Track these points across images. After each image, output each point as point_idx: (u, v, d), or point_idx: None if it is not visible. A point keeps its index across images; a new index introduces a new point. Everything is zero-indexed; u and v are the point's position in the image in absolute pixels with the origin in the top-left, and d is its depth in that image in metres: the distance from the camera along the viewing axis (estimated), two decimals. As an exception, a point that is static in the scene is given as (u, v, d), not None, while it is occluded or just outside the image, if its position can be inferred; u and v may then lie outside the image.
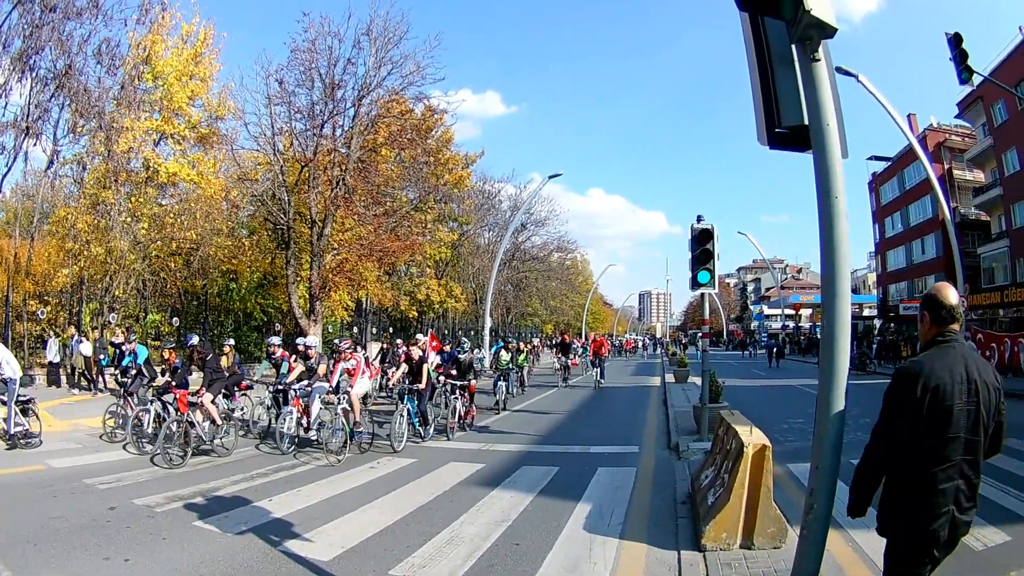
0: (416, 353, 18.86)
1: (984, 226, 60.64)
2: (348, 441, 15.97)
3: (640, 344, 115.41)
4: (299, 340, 20.29)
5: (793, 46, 5.12)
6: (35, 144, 32.41)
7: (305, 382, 17.75)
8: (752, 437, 9.00)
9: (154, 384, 18.04)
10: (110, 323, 33.99)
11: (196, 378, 17.49)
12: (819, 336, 6.68)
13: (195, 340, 17.75)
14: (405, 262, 52.53)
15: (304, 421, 16.91)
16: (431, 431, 18.82)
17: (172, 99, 36.78)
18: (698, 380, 24.74)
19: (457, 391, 20.17)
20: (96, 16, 32.01)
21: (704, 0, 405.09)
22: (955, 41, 25.32)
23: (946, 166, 63.64)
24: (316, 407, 16.99)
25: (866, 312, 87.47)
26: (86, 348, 27.85)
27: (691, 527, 9.70)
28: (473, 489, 12.78)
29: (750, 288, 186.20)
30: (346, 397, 16.52)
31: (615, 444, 17.88)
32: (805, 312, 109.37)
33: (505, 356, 28.17)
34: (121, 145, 33.69)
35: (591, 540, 9.54)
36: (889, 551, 4.82)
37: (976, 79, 28.98)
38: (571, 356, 43.10)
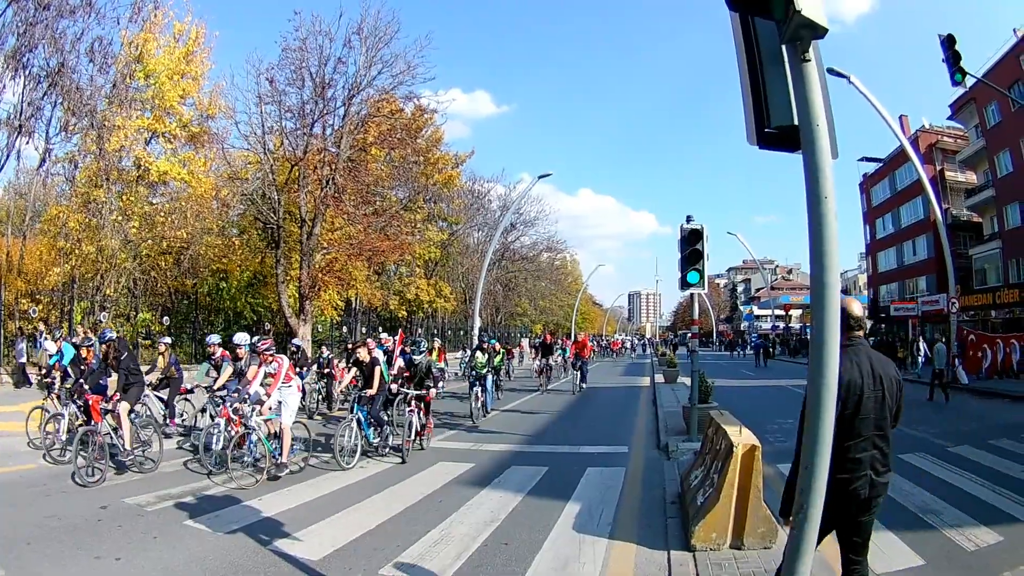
0: (364, 355, 17.22)
1: (976, 227, 60.79)
2: (273, 462, 13.71)
3: (628, 345, 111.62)
4: (238, 337, 17.38)
5: (783, 46, 5.11)
6: (28, 142, 32.57)
7: (243, 388, 14.77)
8: (742, 437, 9.01)
9: (66, 386, 16.62)
10: (101, 322, 33.94)
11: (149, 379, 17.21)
12: (809, 337, 6.71)
13: (111, 335, 15.47)
14: (395, 262, 52.47)
15: (234, 432, 14.04)
16: (388, 443, 16.65)
17: (163, 98, 36.76)
18: (687, 380, 24.82)
19: (412, 402, 16.58)
20: (89, 14, 32.17)
21: (694, 0, 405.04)
22: (948, 43, 25.34)
23: (938, 167, 63.78)
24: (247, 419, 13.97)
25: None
26: (50, 347, 27.68)
27: (681, 527, 9.70)
28: (462, 489, 12.81)
29: (740, 289, 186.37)
30: (258, 409, 14.08)
31: (605, 444, 17.87)
32: (795, 313, 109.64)
33: (481, 358, 25.09)
34: (112, 143, 33.69)
35: (581, 540, 9.55)
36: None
37: (969, 81, 28.99)
38: (554, 358, 40.03)
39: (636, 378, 46.18)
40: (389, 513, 10.96)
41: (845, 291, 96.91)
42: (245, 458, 13.75)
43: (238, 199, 40.84)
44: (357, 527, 10.14)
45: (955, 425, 20.65)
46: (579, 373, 34.80)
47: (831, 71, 32.02)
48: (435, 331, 63.30)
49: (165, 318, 37.16)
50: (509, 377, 38.84)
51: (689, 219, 16.83)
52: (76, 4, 31.49)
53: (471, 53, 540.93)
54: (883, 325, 72.67)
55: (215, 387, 16.61)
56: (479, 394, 23.64)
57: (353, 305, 52.27)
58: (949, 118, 61.98)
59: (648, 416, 24.08)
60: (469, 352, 34.12)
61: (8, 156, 31.96)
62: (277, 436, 14.26)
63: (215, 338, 19.39)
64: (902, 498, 11.36)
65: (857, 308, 6.00)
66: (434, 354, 28.54)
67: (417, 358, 17.68)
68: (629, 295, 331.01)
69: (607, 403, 29.69)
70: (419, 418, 16.76)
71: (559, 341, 50.77)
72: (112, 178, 35.15)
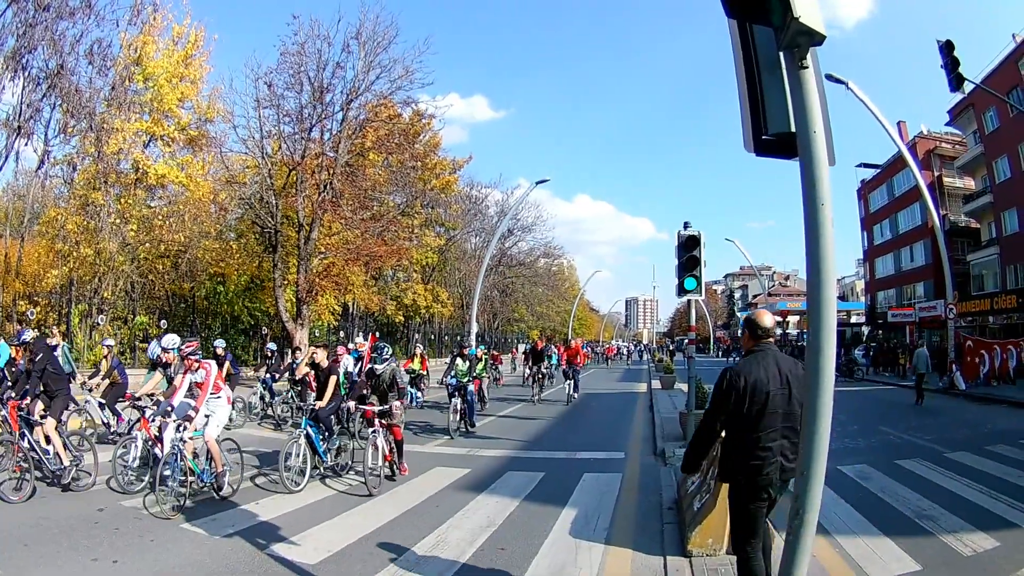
0: (321, 358, 15.72)
1: (974, 233, 60.89)
2: (205, 484, 12.04)
3: (625, 352, 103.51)
4: (167, 340, 15.57)
5: (781, 53, 5.12)
6: (26, 144, 32.56)
7: (165, 400, 12.77)
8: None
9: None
10: (98, 324, 33.97)
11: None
12: (805, 343, 6.80)
13: (28, 336, 14.61)
14: (392, 267, 52.69)
15: (157, 450, 12.21)
16: (343, 460, 14.67)
17: (162, 101, 36.77)
18: (684, 386, 24.76)
19: (376, 421, 13.84)
20: (89, 16, 32.17)
21: (691, 4, 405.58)
22: (946, 49, 25.36)
23: (936, 173, 63.88)
24: (171, 435, 11.76)
25: (854, 319, 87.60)
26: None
27: (677, 533, 9.70)
28: (459, 494, 12.80)
29: (737, 295, 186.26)
30: (185, 426, 11.84)
31: (601, 450, 17.85)
32: (793, 319, 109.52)
33: (462, 366, 22.31)
34: (111, 146, 33.72)
35: (577, 545, 9.54)
36: (732, 492, 6.68)
37: (967, 86, 29.00)
38: (546, 366, 35.86)
39: (633, 384, 46.06)
40: (385, 518, 10.95)
41: (842, 297, 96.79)
42: (169, 481, 11.30)
43: (236, 203, 40.97)
44: (353, 532, 10.13)
45: (952, 431, 20.69)
46: (572, 382, 32.08)
47: (829, 77, 32.04)
48: (432, 336, 63.42)
49: (162, 321, 37.16)
50: (496, 385, 38.49)
51: (686, 225, 16.89)
52: (76, 6, 31.54)
53: (469, 58, 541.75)
54: (880, 332, 72.68)
55: (138, 394, 14.71)
56: (458, 406, 21.12)
57: (350, 310, 52.31)
58: (947, 124, 62.16)
59: (645, 422, 24.05)
60: (448, 359, 29.44)
61: (7, 157, 32.01)
62: (204, 455, 12.27)
63: (168, 341, 16.64)
64: (899, 503, 11.41)
65: (767, 320, 6.88)
66: (416, 361, 28.01)
67: (379, 367, 14.53)
68: (626, 301, 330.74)
69: (604, 409, 29.68)
70: (384, 440, 13.82)
71: (549, 347, 47.69)
72: (110, 181, 35.20)
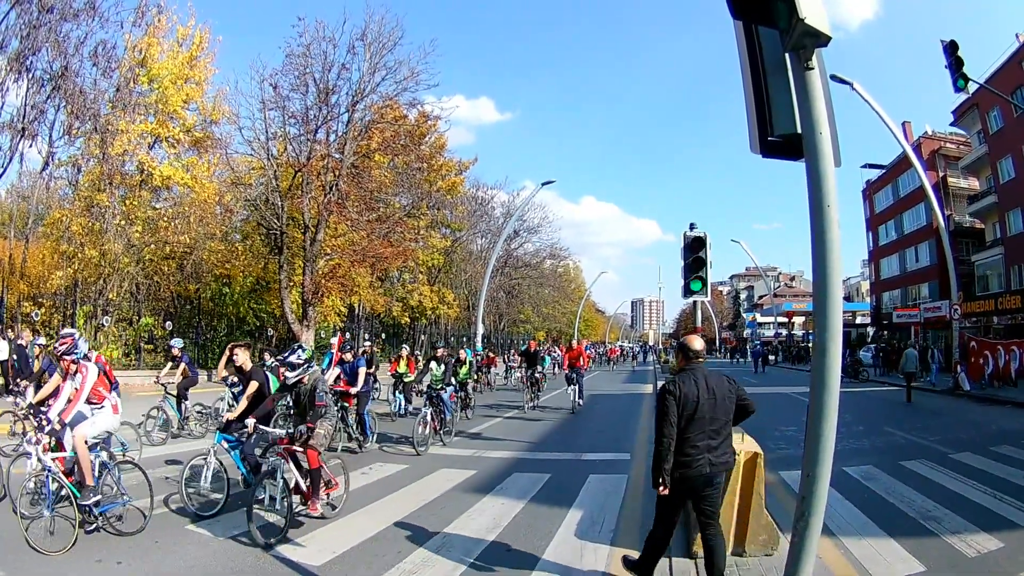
0: (243, 359, 12.97)
1: (978, 234, 60.86)
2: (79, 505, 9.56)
3: (630, 353, 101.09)
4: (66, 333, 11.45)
5: (787, 54, 5.12)
6: (31, 145, 32.64)
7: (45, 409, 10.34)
8: (743, 444, 8.98)
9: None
10: (103, 326, 34.01)
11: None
12: (811, 344, 6.86)
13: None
14: (398, 268, 52.57)
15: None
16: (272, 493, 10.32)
17: (167, 102, 36.86)
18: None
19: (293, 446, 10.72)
20: (93, 18, 32.27)
21: (696, 6, 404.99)
22: (951, 49, 25.29)
23: (941, 174, 63.82)
24: (70, 441, 10.08)
25: (859, 320, 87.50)
26: (2, 349, 27.14)
27: (683, 534, 9.58)
28: (464, 495, 12.78)
29: (743, 296, 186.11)
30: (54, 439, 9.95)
31: (607, 451, 17.81)
32: (798, 320, 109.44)
33: (437, 370, 20.17)
34: (116, 148, 33.80)
35: (582, 547, 9.55)
36: (660, 495, 7.66)
37: (971, 87, 28.93)
38: (541, 369, 33.12)
39: (638, 385, 45.89)
40: (390, 519, 10.93)
41: (847, 298, 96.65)
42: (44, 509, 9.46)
43: (241, 204, 41.06)
44: (359, 533, 10.12)
45: (957, 432, 20.67)
46: (576, 388, 28.32)
47: (834, 78, 32.00)
48: (438, 337, 63.31)
49: (168, 323, 37.21)
50: (491, 388, 38.08)
51: (692, 227, 16.83)
52: (79, 8, 31.62)
53: (475, 59, 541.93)
54: (885, 332, 72.61)
55: (35, 400, 11.98)
56: (429, 417, 18.30)
57: (356, 311, 52.32)
58: (952, 124, 62.18)
59: (650, 423, 23.94)
60: (423, 363, 25.83)
61: (11, 159, 32.06)
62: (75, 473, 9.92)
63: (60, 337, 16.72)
64: (903, 504, 11.40)
65: (697, 344, 7.94)
66: (402, 364, 25.92)
67: (290, 375, 10.91)
68: (632, 302, 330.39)
69: (609, 410, 29.62)
70: (301, 472, 10.74)
71: (543, 348, 45.01)
72: (115, 182, 35.28)
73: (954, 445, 17.75)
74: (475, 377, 28.10)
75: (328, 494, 11.12)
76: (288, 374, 10.83)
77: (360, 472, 14.57)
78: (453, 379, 21.37)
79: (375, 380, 23.51)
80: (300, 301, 37.56)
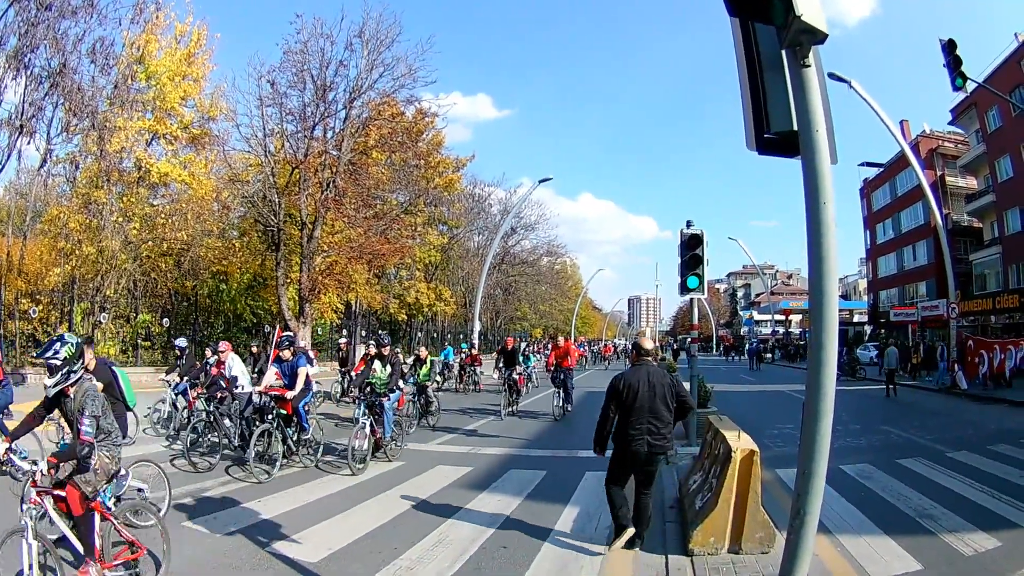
0: (89, 360, 10.08)
1: (976, 233, 60.88)
2: None
3: (624, 350, 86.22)
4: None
5: (783, 51, 5.12)
6: (29, 142, 32.68)
7: None
8: (740, 442, 9.02)
9: None
10: (100, 323, 34.01)
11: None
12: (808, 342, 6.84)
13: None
14: (395, 265, 52.58)
15: None
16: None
17: (165, 99, 36.76)
18: (687, 384, 24.71)
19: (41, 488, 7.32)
20: (91, 15, 32.31)
21: (694, 5, 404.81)
22: (949, 47, 25.29)
23: (938, 173, 63.83)
24: None
25: (856, 318, 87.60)
26: None
27: (679, 532, 9.77)
28: (461, 492, 12.81)
29: (740, 294, 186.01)
30: None
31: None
32: (795, 318, 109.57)
33: (381, 371, 16.92)
34: (113, 144, 33.74)
35: (579, 544, 9.59)
36: (611, 461, 9.70)
37: (970, 86, 28.94)
38: (522, 369, 30.84)
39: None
40: (387, 516, 10.97)
41: (845, 296, 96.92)
42: None
43: (239, 201, 41.03)
44: (355, 530, 10.14)
45: (954, 430, 20.70)
46: (561, 391, 25.41)
47: (832, 76, 32.07)
48: (435, 335, 63.36)
49: (165, 320, 37.22)
50: (477, 389, 35.34)
51: (689, 224, 16.88)
52: (78, 5, 31.62)
53: (472, 56, 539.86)
54: (883, 330, 72.67)
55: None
56: (368, 428, 15.50)
57: (353, 308, 52.26)
58: (950, 123, 62.11)
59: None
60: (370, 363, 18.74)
61: (9, 156, 32.10)
62: None
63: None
64: (900, 503, 11.44)
65: (648, 344, 10.05)
66: (425, 369, 22.83)
67: (49, 381, 7.58)
68: (629, 300, 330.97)
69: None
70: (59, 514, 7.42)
71: (537, 344, 38.00)
72: (113, 179, 35.22)
73: (951, 443, 17.78)
74: (438, 380, 25.08)
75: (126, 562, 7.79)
76: (47, 381, 7.60)
77: (358, 468, 14.57)
78: (402, 383, 17.67)
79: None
80: (297, 298, 37.57)
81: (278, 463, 14.24)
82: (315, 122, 36.34)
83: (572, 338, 74.49)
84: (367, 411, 15.83)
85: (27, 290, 34.41)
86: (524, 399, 29.20)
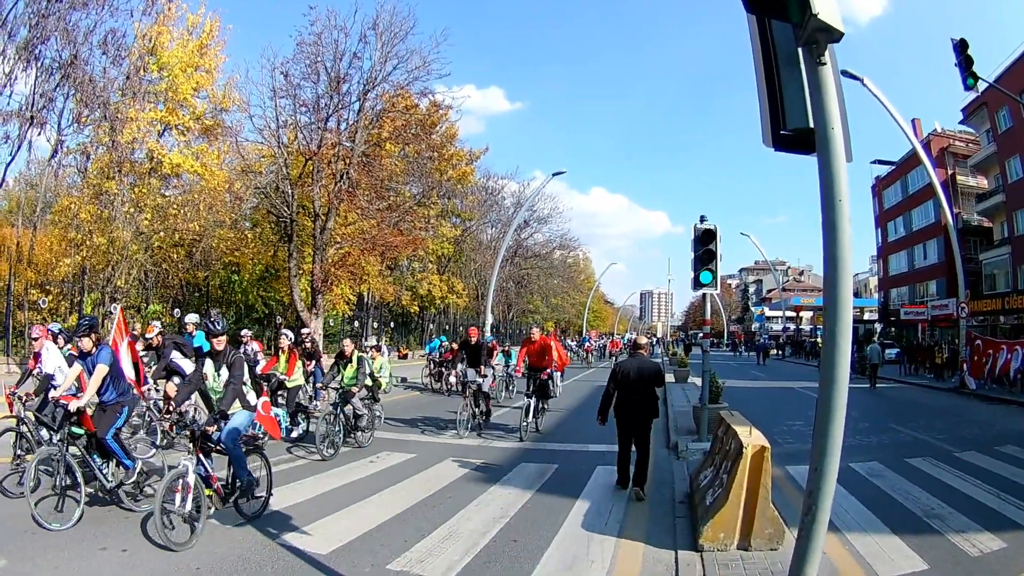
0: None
1: (986, 232, 60.78)
2: None
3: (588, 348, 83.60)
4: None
5: (799, 49, 5.13)
6: (39, 133, 32.70)
7: None
8: (751, 438, 9.01)
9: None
10: (111, 313, 34.10)
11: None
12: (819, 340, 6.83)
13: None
14: (407, 257, 52.80)
15: None
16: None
17: (177, 90, 36.82)
18: (698, 380, 24.65)
19: None
20: (102, 6, 32.38)
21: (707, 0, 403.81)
22: (960, 47, 25.25)
23: (949, 171, 63.66)
24: None
25: (867, 316, 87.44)
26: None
27: (689, 527, 9.74)
28: (471, 485, 12.83)
29: (751, 289, 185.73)
30: None
31: (614, 443, 17.77)
32: (806, 315, 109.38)
33: (349, 371, 16.14)
34: (125, 136, 33.81)
35: (589, 538, 9.57)
36: (617, 421, 12.61)
37: (981, 85, 28.87)
38: (495, 373, 23.99)
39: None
40: (398, 508, 10.98)
41: (856, 294, 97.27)
42: None
43: (251, 192, 41.08)
44: (366, 522, 10.15)
45: (962, 430, 20.67)
46: (532, 400, 19.06)
47: (845, 73, 31.98)
48: (447, 327, 63.47)
49: (176, 310, 37.28)
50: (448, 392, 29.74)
51: (703, 219, 16.83)
52: (89, -4, 31.63)
53: (486, 49, 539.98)
54: (892, 329, 72.59)
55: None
56: (333, 436, 15.05)
57: (365, 300, 52.40)
58: (961, 122, 61.91)
59: (661, 414, 23.99)
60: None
61: (20, 147, 32.17)
62: None
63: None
64: (908, 502, 11.44)
65: (642, 340, 14.15)
66: (281, 362, 17.85)
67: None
68: (641, 294, 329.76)
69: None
70: None
71: (488, 339, 29.67)
72: (124, 170, 35.29)
73: (959, 444, 17.78)
74: (369, 383, 17.01)
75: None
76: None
77: (368, 460, 14.73)
78: (315, 387, 16.55)
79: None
80: (309, 289, 37.70)
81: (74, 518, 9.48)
82: (329, 114, 36.49)
83: (542, 330, 73.07)
84: (336, 412, 15.42)
85: (37, 280, 34.50)
86: (500, 410, 23.27)
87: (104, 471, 10.15)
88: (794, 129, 5.29)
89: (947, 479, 13.34)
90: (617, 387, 12.57)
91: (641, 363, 12.84)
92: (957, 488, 12.57)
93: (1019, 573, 8.28)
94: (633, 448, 12.60)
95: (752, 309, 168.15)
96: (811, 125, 5.12)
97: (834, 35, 4.86)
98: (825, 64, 4.98)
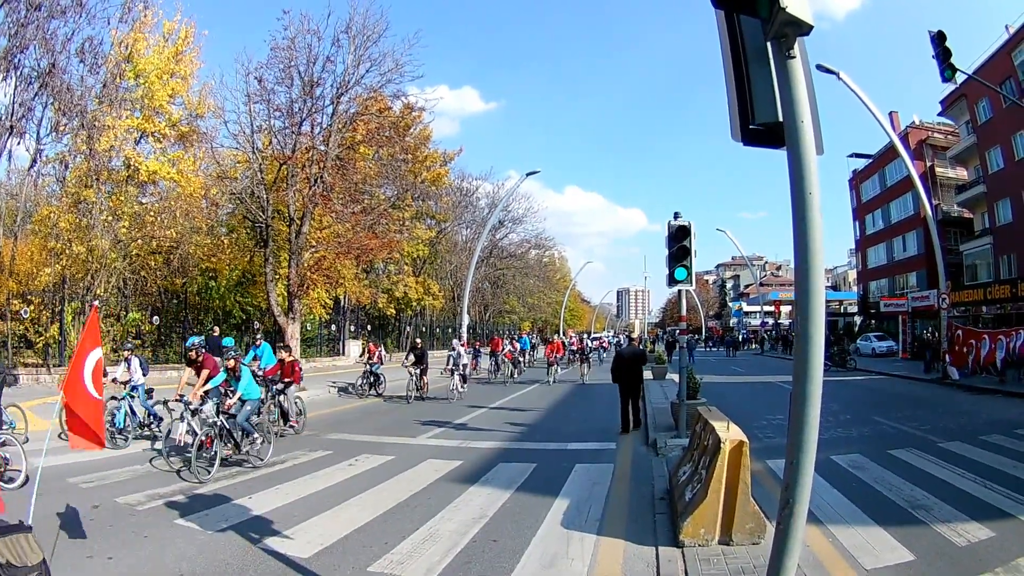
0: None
1: (967, 223, 60.93)
2: None
3: (597, 345, 70.79)
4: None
5: (768, 43, 5.12)
6: (19, 143, 32.55)
7: None
8: (729, 433, 9.01)
9: None
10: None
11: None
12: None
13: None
14: (383, 259, 52.63)
15: None
16: None
17: (153, 97, 36.69)
18: (676, 377, 24.79)
19: None
20: (80, 14, 32.20)
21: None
22: (938, 39, 25.33)
23: (928, 163, 63.86)
24: None
25: (848, 309, 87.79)
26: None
27: (669, 523, 9.72)
28: (451, 486, 12.84)
29: (729, 285, 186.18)
30: None
31: (593, 441, 17.89)
32: (785, 309, 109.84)
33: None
34: (103, 143, 33.66)
35: (569, 536, 9.60)
36: (619, 386, 19.85)
37: (960, 77, 28.98)
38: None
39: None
40: (378, 510, 10.99)
41: (834, 287, 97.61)
42: None
43: (227, 198, 41.05)
44: (346, 524, 10.17)
45: (946, 421, 20.65)
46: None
47: (820, 67, 32.16)
48: (424, 328, 63.54)
49: (155, 317, 37.19)
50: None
51: (677, 216, 16.89)
52: (67, 4, 31.52)
53: (459, 49, 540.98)
54: (873, 321, 72.88)
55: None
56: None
57: (342, 303, 52.33)
58: (940, 114, 62.14)
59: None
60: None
61: (0, 157, 31.96)
62: None
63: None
64: (893, 493, 11.46)
65: (635, 334, 35.70)
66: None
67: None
68: (618, 292, 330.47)
69: (595, 400, 29.40)
70: None
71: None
72: (102, 178, 35.14)
73: (943, 434, 17.84)
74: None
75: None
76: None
77: (347, 464, 14.65)
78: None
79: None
80: (286, 294, 37.62)
81: None
82: (302, 118, 36.35)
83: (561, 331, 74.72)
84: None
85: (18, 291, 34.32)
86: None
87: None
88: (763, 123, 5.29)
89: (932, 470, 13.36)
90: (618, 363, 20.10)
91: (633, 349, 21.28)
92: (942, 478, 12.59)
93: (1007, 561, 8.26)
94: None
95: (730, 304, 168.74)
96: (780, 119, 5.12)
97: (803, 28, 4.85)
98: (795, 58, 4.97)
